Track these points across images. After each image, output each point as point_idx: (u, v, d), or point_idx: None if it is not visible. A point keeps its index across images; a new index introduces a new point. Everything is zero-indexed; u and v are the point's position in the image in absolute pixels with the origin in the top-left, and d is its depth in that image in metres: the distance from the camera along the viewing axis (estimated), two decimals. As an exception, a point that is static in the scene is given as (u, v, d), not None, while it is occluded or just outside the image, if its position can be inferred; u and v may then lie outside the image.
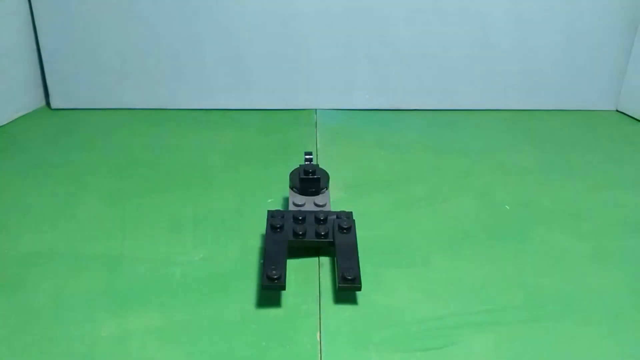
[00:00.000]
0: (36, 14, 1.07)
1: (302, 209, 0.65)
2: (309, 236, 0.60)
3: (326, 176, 0.70)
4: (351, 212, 0.64)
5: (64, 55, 1.10)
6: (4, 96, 1.03)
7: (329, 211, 0.64)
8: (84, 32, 1.09)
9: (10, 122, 1.04)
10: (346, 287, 0.53)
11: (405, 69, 1.14)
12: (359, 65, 1.14)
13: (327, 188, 0.69)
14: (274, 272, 0.52)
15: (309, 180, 0.67)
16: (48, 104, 1.14)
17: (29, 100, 1.11)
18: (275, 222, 0.61)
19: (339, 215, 0.63)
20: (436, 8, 1.10)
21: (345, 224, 0.60)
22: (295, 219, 0.62)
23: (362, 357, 0.47)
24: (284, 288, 0.53)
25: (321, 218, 0.62)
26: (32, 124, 1.04)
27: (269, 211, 0.63)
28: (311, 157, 0.71)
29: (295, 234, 0.60)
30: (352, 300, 0.54)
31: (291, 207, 0.66)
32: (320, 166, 0.71)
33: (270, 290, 0.53)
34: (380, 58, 1.13)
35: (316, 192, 0.68)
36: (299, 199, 0.67)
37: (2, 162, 0.86)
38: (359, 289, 0.53)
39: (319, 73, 1.14)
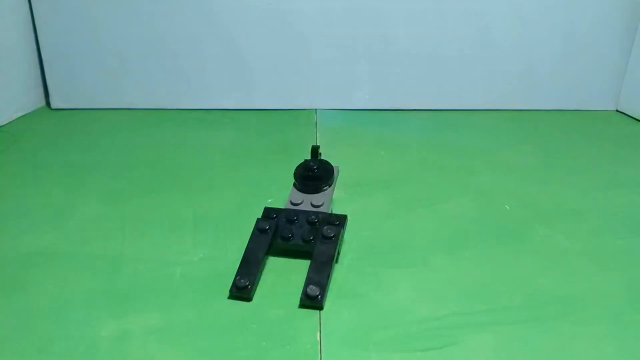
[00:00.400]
0: (36, 14, 1.07)
1: (298, 207, 0.64)
2: (295, 239, 0.60)
3: (330, 173, 0.67)
4: (345, 216, 0.62)
5: (64, 55, 1.10)
6: (4, 96, 1.03)
7: (323, 212, 0.62)
8: (84, 32, 1.09)
9: (10, 122, 1.05)
10: (307, 306, 0.53)
11: (405, 69, 1.14)
12: (359, 65, 1.14)
13: (329, 185, 0.66)
14: (242, 281, 0.54)
15: (309, 177, 0.66)
16: (48, 104, 1.14)
17: (29, 100, 1.11)
18: (263, 224, 0.60)
19: (330, 219, 0.60)
20: (436, 8, 1.10)
21: (329, 232, 0.58)
22: (288, 220, 0.61)
23: (362, 357, 0.47)
24: (249, 299, 0.54)
25: (315, 221, 0.61)
26: (32, 124, 1.05)
27: (265, 208, 0.63)
28: (316, 151, 0.68)
29: (283, 237, 0.60)
30: (352, 300, 0.54)
31: (287, 205, 0.65)
32: (328, 162, 0.68)
33: (237, 299, 0.54)
34: (380, 58, 1.13)
35: (316, 190, 0.66)
36: (297, 196, 0.65)
37: (2, 162, 0.86)
38: (320, 308, 0.52)
39: (319, 73, 1.14)
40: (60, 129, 1.02)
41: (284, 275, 0.58)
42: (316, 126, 1.05)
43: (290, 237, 0.60)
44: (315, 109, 1.15)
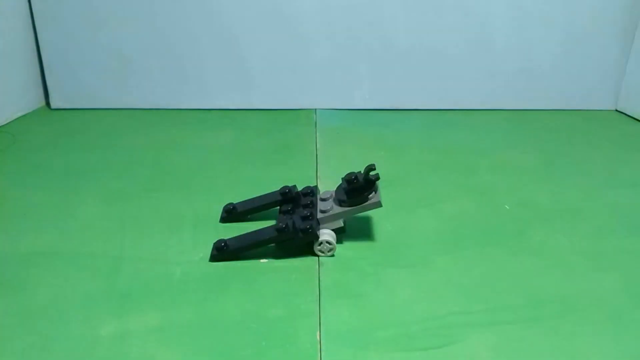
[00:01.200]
0: (36, 14, 1.07)
1: (318, 201, 0.65)
2: (280, 218, 0.64)
3: (359, 199, 0.62)
4: (316, 234, 0.60)
5: (64, 55, 1.10)
6: (4, 96, 1.03)
7: (316, 218, 0.63)
8: (84, 32, 1.09)
9: (10, 122, 1.05)
10: (214, 254, 0.60)
11: (405, 69, 1.14)
12: (359, 65, 1.14)
13: (350, 206, 0.62)
14: (229, 205, 0.69)
15: (341, 186, 0.64)
16: (48, 104, 1.14)
17: (29, 100, 1.11)
18: (285, 190, 0.68)
19: (306, 225, 0.60)
20: (436, 8, 1.10)
21: (281, 225, 0.60)
22: (303, 205, 0.66)
23: (362, 357, 0.47)
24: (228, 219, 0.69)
25: (306, 216, 0.62)
26: (32, 124, 1.05)
27: (307, 186, 0.69)
28: (368, 170, 0.62)
29: (280, 210, 0.68)
30: (352, 300, 0.54)
31: (319, 193, 0.67)
32: (375, 190, 0.63)
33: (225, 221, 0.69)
34: (380, 58, 1.13)
35: (339, 202, 0.63)
36: (329, 194, 0.66)
37: (2, 162, 0.86)
38: (211, 258, 0.60)
39: (319, 73, 1.14)
40: (60, 129, 1.02)
41: (284, 275, 0.58)
42: (316, 126, 1.05)
43: (284, 212, 0.66)
44: (315, 109, 1.15)
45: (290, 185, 0.70)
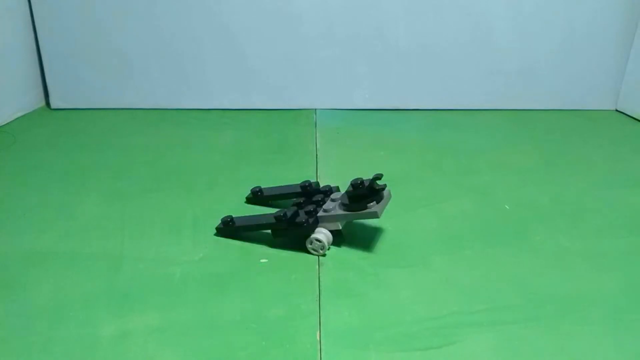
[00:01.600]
0: (36, 14, 1.07)
1: (329, 200, 0.66)
2: (288, 212, 0.64)
3: (358, 205, 0.61)
4: (307, 228, 0.61)
5: (64, 55, 1.10)
6: (4, 96, 1.03)
7: (316, 215, 0.63)
8: (84, 32, 1.09)
9: (10, 122, 1.05)
10: (221, 227, 0.65)
11: (405, 69, 1.14)
12: (359, 65, 1.14)
13: (350, 211, 0.62)
14: (256, 189, 0.74)
15: (349, 189, 0.63)
16: (48, 104, 1.14)
17: (29, 100, 1.11)
18: (306, 183, 0.71)
19: (305, 220, 0.61)
20: (436, 8, 1.10)
21: (280, 214, 0.62)
22: (314, 201, 0.67)
23: (362, 357, 0.47)
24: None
25: (310, 211, 0.63)
26: (32, 124, 1.05)
27: (325, 185, 0.72)
28: (375, 178, 0.62)
29: (294, 203, 0.68)
30: (352, 300, 0.54)
31: (331, 194, 0.68)
32: (378, 200, 0.62)
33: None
34: (380, 58, 1.13)
35: (343, 204, 0.63)
36: (338, 195, 0.66)
37: (2, 162, 0.86)
38: (217, 231, 0.65)
39: (319, 73, 1.14)
40: (60, 129, 1.02)
41: (284, 275, 0.58)
42: (316, 126, 1.05)
43: (296, 204, 0.66)
44: (315, 109, 1.15)
45: (312, 180, 0.72)
